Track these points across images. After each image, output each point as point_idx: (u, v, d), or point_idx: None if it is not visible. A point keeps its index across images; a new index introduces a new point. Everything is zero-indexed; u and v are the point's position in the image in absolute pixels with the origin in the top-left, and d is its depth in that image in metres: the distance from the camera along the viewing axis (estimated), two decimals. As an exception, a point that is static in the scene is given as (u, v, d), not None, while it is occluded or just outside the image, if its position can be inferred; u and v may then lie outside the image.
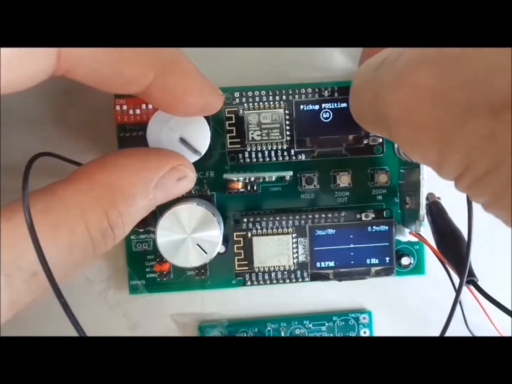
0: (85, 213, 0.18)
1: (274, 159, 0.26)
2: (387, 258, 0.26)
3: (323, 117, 0.26)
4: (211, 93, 0.20)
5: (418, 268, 0.28)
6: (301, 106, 0.26)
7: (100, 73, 0.17)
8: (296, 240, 0.26)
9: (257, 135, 0.26)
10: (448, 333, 0.24)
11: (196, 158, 0.23)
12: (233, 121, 0.26)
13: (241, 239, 0.26)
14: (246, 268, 0.26)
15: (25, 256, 0.16)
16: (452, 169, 0.15)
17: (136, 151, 0.21)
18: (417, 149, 0.16)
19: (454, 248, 0.24)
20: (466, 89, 0.13)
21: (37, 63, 0.15)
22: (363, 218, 0.26)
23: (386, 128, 0.17)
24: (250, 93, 0.26)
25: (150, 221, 0.25)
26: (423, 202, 0.24)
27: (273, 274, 0.26)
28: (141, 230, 0.27)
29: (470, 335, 0.28)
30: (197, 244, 0.23)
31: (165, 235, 0.23)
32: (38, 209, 0.17)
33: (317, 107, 0.26)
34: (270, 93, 0.26)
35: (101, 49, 0.16)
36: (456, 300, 0.23)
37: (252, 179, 0.26)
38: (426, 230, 0.25)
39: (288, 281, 0.26)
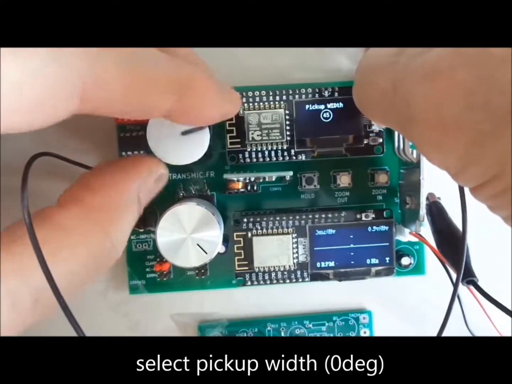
0: (85, 238, 0.18)
1: (274, 159, 0.26)
2: (387, 258, 0.26)
3: (323, 117, 0.26)
4: (230, 101, 0.20)
5: (418, 268, 0.28)
6: (301, 106, 0.26)
7: (123, 109, 0.17)
8: (296, 240, 0.26)
9: (257, 135, 0.26)
10: (448, 333, 0.24)
11: (205, 138, 0.23)
12: (233, 121, 0.26)
13: (241, 239, 0.26)
14: (246, 268, 0.26)
15: (28, 283, 0.16)
16: (476, 176, 0.14)
17: (110, 165, 0.21)
18: (439, 149, 0.15)
19: (454, 248, 0.24)
20: (508, 93, 0.13)
21: (59, 108, 0.15)
22: (363, 218, 0.26)
23: (402, 122, 0.16)
24: (250, 93, 0.26)
25: (150, 221, 0.25)
26: (423, 202, 0.24)
27: (273, 274, 0.26)
28: (141, 230, 0.27)
29: (470, 335, 0.28)
30: (197, 244, 0.23)
31: (165, 235, 0.23)
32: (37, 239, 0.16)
33: (317, 107, 0.26)
34: (270, 93, 0.26)
35: (123, 88, 0.16)
36: (454, 295, 0.23)
37: (252, 179, 0.26)
38: (426, 230, 0.25)
39: (288, 281, 0.26)
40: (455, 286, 0.23)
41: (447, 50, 0.14)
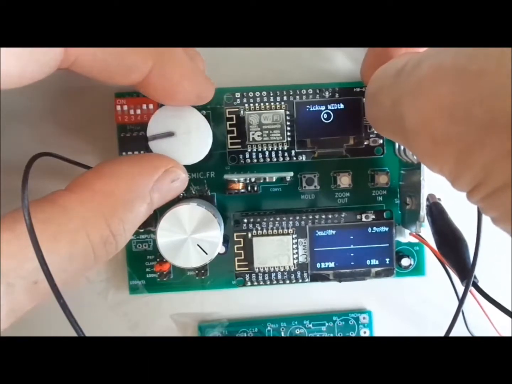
0: (87, 223, 0.18)
1: (275, 159, 0.26)
2: (387, 259, 0.26)
3: (323, 118, 0.26)
4: (204, 81, 0.22)
5: (418, 269, 0.28)
6: (302, 107, 0.26)
7: (104, 62, 0.18)
8: (296, 240, 0.26)
9: (258, 136, 0.26)
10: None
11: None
12: (234, 122, 0.26)
13: (241, 239, 0.26)
14: (246, 268, 0.26)
15: (26, 265, 0.16)
16: (467, 182, 0.15)
17: (129, 158, 0.22)
18: (433, 160, 0.16)
19: (454, 249, 0.24)
20: (485, 105, 0.13)
21: (46, 53, 0.16)
22: (364, 219, 0.26)
23: (403, 137, 0.17)
24: (251, 94, 0.26)
25: (150, 221, 0.25)
26: (423, 203, 0.24)
27: (273, 275, 0.26)
28: (141, 230, 0.27)
29: (469, 335, 0.28)
30: (198, 245, 0.23)
31: (165, 236, 0.23)
32: (39, 219, 0.17)
33: (318, 108, 0.26)
34: (271, 94, 0.26)
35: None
36: (460, 308, 0.23)
37: (253, 179, 0.26)
38: (426, 231, 0.25)
39: (288, 281, 0.26)
40: (465, 290, 0.23)
41: (431, 66, 0.15)
